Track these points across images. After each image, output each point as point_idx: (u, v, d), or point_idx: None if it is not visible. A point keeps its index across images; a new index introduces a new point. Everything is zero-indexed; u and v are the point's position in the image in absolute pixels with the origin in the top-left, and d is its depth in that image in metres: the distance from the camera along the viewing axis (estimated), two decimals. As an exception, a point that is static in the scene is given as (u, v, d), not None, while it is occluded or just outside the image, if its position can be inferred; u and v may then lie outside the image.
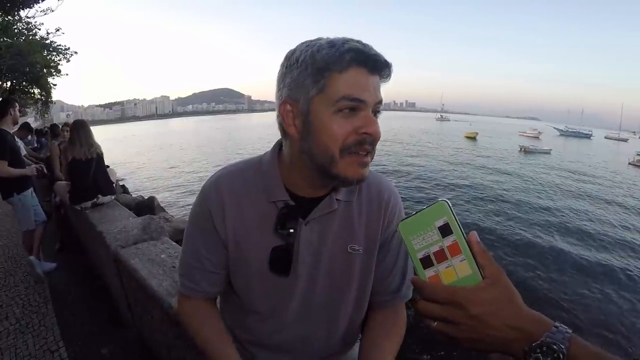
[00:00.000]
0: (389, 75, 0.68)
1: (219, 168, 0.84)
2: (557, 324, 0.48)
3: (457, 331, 0.50)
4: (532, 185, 18.40)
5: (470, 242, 0.50)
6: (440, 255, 0.50)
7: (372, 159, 0.71)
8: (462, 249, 0.49)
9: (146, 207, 6.30)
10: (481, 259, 0.49)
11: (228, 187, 0.79)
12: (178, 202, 13.66)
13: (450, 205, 0.49)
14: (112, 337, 2.39)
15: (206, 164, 22.01)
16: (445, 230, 0.49)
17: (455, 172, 21.08)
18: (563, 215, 13.08)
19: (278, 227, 0.76)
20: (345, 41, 0.65)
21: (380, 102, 0.68)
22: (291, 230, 0.76)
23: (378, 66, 0.65)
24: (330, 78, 0.64)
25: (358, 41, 0.66)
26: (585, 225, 12.23)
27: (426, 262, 0.51)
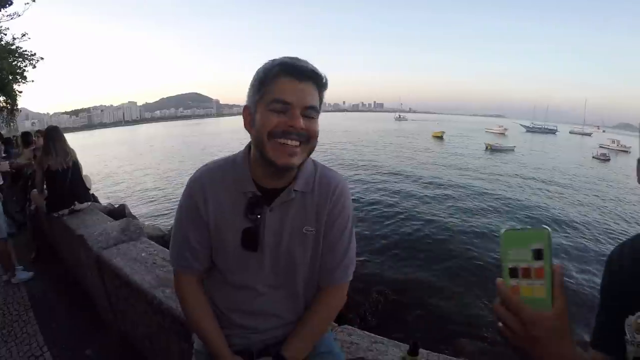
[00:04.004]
0: (321, 83, 0.89)
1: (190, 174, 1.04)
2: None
3: (512, 339, 0.58)
4: (488, 182, 18.92)
5: (554, 273, 0.56)
6: (526, 273, 0.56)
7: (309, 152, 0.93)
8: (546, 276, 0.55)
9: (117, 215, 6.24)
10: (557, 291, 0.56)
11: (208, 180, 0.98)
12: (149, 210, 13.49)
13: (550, 235, 0.54)
14: (95, 338, 2.47)
15: (175, 173, 21.57)
16: (537, 254, 0.55)
17: (420, 171, 21.32)
18: (519, 209, 13.69)
19: (247, 213, 0.96)
20: (282, 58, 0.86)
21: (310, 106, 0.87)
22: (258, 216, 0.96)
23: (305, 75, 0.86)
24: (267, 86, 0.86)
25: (292, 57, 0.87)
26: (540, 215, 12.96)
27: (513, 272, 0.57)
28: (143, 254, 2.00)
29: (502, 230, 0.57)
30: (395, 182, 17.54)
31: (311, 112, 0.88)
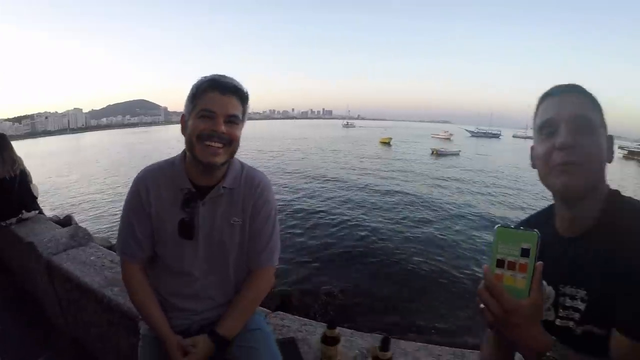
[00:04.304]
0: (243, 96, 1.12)
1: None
2: (555, 342, 0.69)
3: (492, 321, 0.68)
4: (432, 187, 19.80)
5: (536, 270, 0.65)
6: (511, 266, 0.65)
7: (232, 153, 1.13)
8: (528, 271, 0.64)
9: (64, 226, 6.06)
10: (535, 284, 0.65)
11: (151, 178, 1.17)
12: (96, 221, 13.09)
13: (539, 239, 0.64)
14: (47, 346, 2.49)
15: (122, 183, 20.82)
16: (524, 252, 0.64)
17: (366, 177, 21.83)
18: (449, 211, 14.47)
19: (184, 206, 1.15)
20: (211, 76, 1.09)
21: (232, 115, 1.09)
22: (193, 209, 1.15)
23: (229, 90, 1.08)
24: (198, 99, 1.07)
25: (220, 75, 1.10)
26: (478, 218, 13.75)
27: (500, 263, 0.66)
28: (92, 258, 2.10)
29: (496, 226, 0.67)
30: (341, 189, 18.09)
31: (233, 119, 1.09)
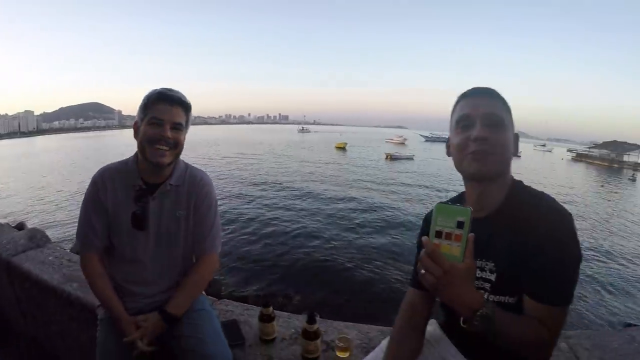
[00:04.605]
0: (186, 107, 1.33)
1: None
2: (487, 299, 0.82)
3: (433, 282, 0.75)
4: (384, 192, 20.79)
5: (469, 240, 0.74)
6: (448, 236, 0.74)
7: (177, 155, 1.35)
8: (462, 240, 0.73)
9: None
10: (468, 252, 0.74)
11: (107, 175, 1.36)
12: (48, 228, 12.60)
13: (471, 213, 0.72)
14: (6, 352, 2.50)
15: (76, 188, 20.09)
16: (460, 225, 0.73)
17: (318, 184, 22.73)
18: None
19: (136, 200, 1.35)
20: (160, 89, 1.29)
21: (177, 123, 1.30)
22: (144, 203, 1.35)
23: (174, 101, 1.30)
24: (148, 108, 1.28)
25: (167, 89, 1.31)
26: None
27: (438, 234, 0.75)
28: (50, 258, 2.21)
29: (437, 202, 0.76)
30: (295, 195, 18.83)
31: (178, 126, 1.32)
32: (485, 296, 0.91)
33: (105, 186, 1.35)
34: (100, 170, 1.39)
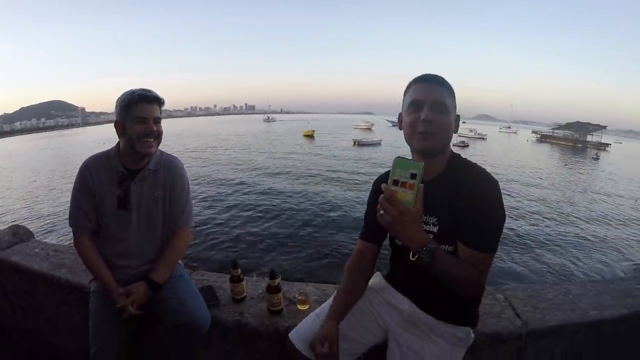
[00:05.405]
0: (161, 102, 1.56)
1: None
2: (431, 239, 0.95)
3: (390, 222, 0.87)
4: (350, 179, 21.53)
5: (420, 189, 0.86)
6: (403, 184, 0.85)
7: (159, 144, 1.59)
8: (414, 189, 0.85)
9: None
10: (418, 199, 0.87)
11: (93, 164, 1.58)
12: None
13: (423, 167, 0.84)
14: None
15: (44, 193, 19.61)
16: (413, 176, 0.85)
17: (285, 175, 23.08)
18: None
19: (119, 185, 1.58)
20: (138, 90, 1.51)
21: (157, 117, 1.55)
22: (126, 187, 1.58)
23: (152, 99, 1.53)
24: (131, 109, 1.50)
25: (144, 89, 1.53)
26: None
27: (395, 182, 0.86)
28: (36, 250, 2.36)
29: (395, 156, 0.87)
30: (265, 182, 19.73)
31: (158, 120, 1.56)
32: None
33: (91, 173, 1.57)
34: (86, 160, 1.59)
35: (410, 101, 1.14)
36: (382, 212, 0.88)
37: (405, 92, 1.19)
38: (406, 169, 0.86)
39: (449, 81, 1.16)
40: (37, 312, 2.38)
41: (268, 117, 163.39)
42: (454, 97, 1.16)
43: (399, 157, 0.88)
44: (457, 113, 1.18)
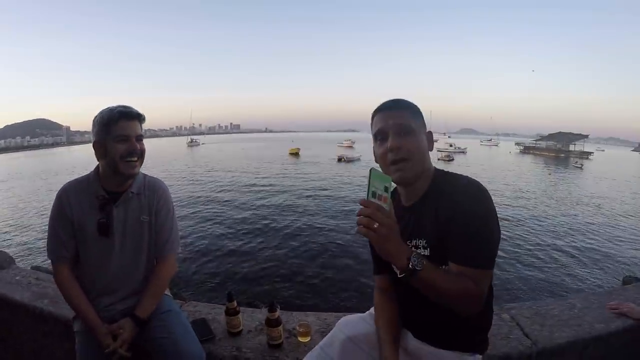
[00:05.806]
0: (142, 119, 1.48)
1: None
2: (413, 250, 0.94)
3: (374, 236, 0.84)
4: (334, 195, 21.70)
5: (391, 203, 0.88)
6: (379, 197, 0.86)
7: (141, 165, 1.49)
8: (388, 201, 0.87)
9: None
10: (390, 210, 0.87)
11: (72, 190, 1.48)
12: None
13: (392, 181, 0.91)
14: None
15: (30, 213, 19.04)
16: (386, 189, 0.87)
17: (272, 191, 23.18)
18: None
19: (100, 209, 1.47)
20: (118, 107, 1.42)
21: (139, 135, 1.45)
22: (108, 211, 1.47)
23: (134, 116, 1.44)
24: (111, 127, 1.41)
25: (125, 106, 1.44)
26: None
27: (373, 194, 0.86)
28: (17, 278, 2.23)
29: (370, 169, 0.87)
30: (253, 198, 20.02)
31: (140, 137, 1.47)
32: None
33: (69, 200, 1.46)
34: (63, 186, 1.49)
35: (375, 132, 1.12)
36: (375, 225, 0.84)
37: (371, 124, 1.16)
38: (381, 181, 0.87)
39: (413, 101, 1.13)
40: (20, 344, 2.24)
41: (192, 140, 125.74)
42: (421, 115, 1.14)
43: (374, 168, 0.88)
44: (429, 130, 1.15)
